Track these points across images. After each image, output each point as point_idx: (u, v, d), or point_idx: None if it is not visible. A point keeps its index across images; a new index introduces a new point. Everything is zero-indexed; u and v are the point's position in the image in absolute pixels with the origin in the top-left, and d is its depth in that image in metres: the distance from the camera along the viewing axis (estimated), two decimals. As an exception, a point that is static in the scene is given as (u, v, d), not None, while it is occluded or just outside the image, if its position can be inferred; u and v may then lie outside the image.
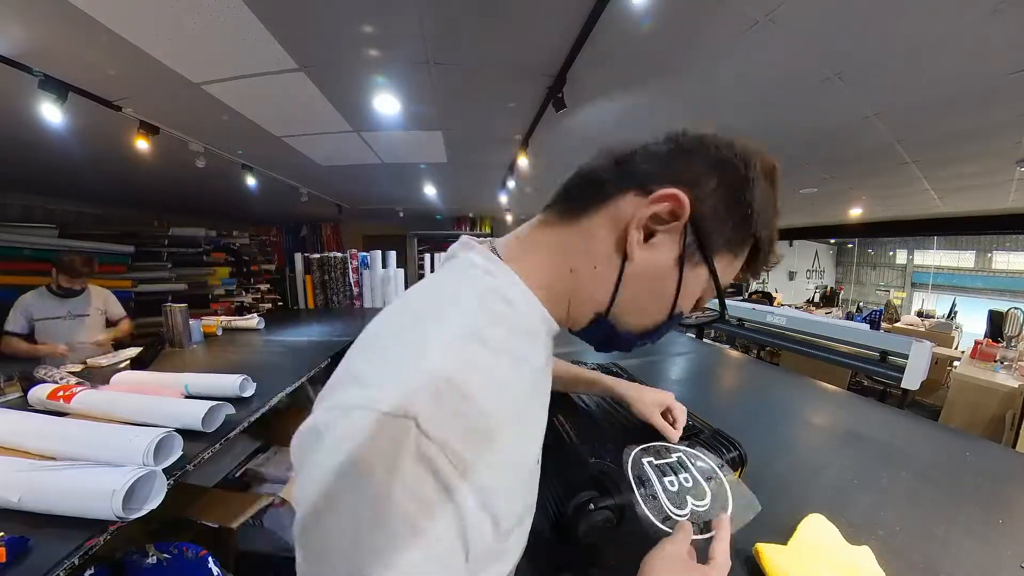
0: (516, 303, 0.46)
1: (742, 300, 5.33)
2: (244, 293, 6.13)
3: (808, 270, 13.61)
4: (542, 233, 0.51)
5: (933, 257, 13.04)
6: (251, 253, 6.60)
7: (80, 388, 1.27)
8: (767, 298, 8.34)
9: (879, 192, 5.37)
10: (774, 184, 0.49)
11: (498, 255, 0.50)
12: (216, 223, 6.18)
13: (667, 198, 0.43)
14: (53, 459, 1.01)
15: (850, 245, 14.22)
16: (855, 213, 6.54)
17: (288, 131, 3.45)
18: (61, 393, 1.24)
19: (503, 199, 5.83)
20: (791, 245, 12.12)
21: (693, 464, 0.67)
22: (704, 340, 3.23)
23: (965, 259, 12.45)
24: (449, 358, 0.37)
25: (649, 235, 0.46)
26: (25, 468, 0.94)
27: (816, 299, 10.54)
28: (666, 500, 0.62)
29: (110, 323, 2.96)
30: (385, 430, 0.32)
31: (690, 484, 0.64)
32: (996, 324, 5.23)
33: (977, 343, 4.33)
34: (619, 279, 0.47)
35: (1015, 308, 5.04)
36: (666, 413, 0.82)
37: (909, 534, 0.78)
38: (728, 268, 0.49)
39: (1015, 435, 2.99)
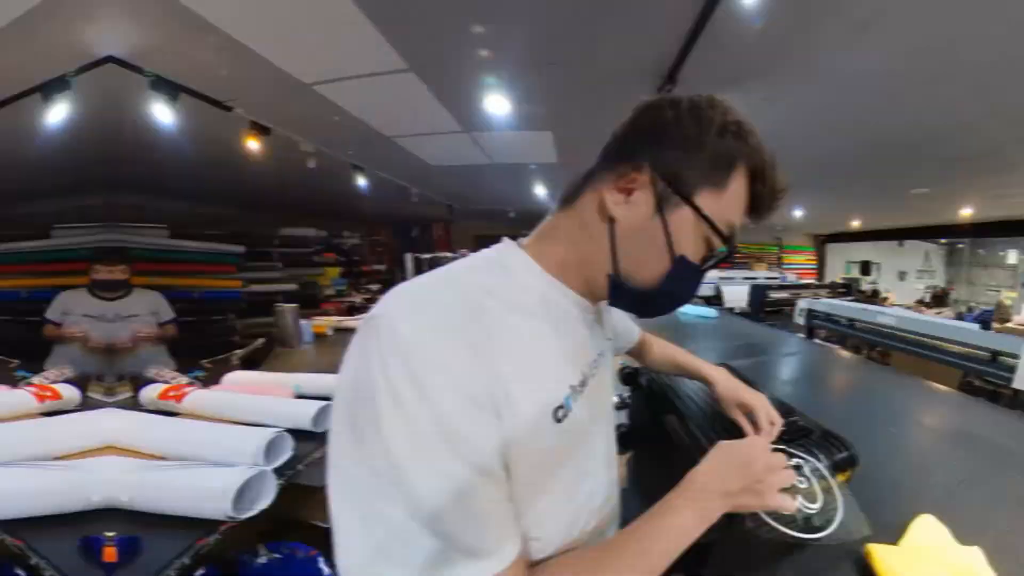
0: (516, 272, 0.54)
1: (852, 300, 5.26)
2: (355, 293, 6.32)
3: (919, 270, 13.93)
4: (548, 224, 0.61)
5: (1046, 257, 12.48)
6: (361, 253, 6.86)
7: (191, 388, 1.30)
8: (875, 296, 8.90)
9: (991, 192, 5.34)
10: (745, 133, 0.53)
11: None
12: (327, 223, 6.44)
13: (623, 175, 0.52)
14: (163, 459, 1.01)
15: (960, 246, 13.81)
16: (965, 213, 6.65)
17: (398, 131, 3.53)
18: (172, 393, 1.27)
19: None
20: (901, 245, 12.66)
21: (811, 470, 0.69)
22: (815, 340, 3.32)
23: (1081, 259, 11.64)
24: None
25: (628, 195, 0.52)
26: (135, 468, 0.96)
27: (927, 299, 10.90)
28: None
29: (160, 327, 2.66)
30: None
31: (804, 485, 0.65)
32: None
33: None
34: (613, 239, 0.53)
35: None
36: (747, 412, 0.81)
37: (1021, 536, 0.76)
38: (719, 203, 0.52)
39: None
